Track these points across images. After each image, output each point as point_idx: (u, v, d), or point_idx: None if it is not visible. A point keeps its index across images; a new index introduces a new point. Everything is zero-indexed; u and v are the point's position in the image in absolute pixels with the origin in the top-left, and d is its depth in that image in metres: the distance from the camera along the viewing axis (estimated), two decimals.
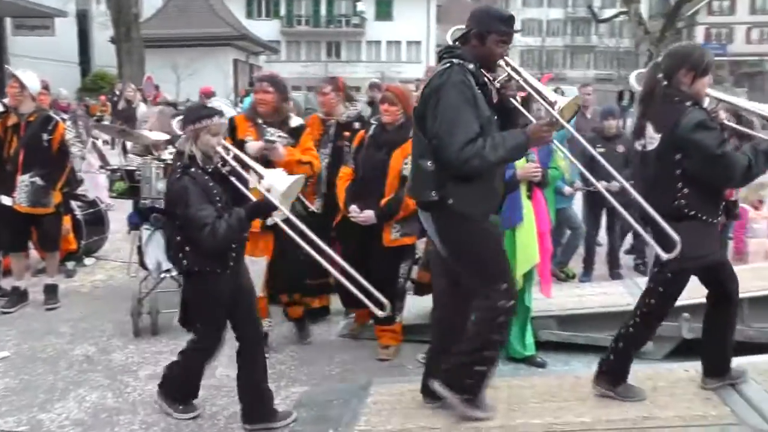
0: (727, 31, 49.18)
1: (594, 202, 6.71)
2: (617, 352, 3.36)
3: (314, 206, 4.76)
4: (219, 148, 3.37)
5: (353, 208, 4.39)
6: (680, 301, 4.54)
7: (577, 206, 6.93)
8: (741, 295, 4.51)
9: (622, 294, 5.08)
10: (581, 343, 4.71)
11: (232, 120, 4.54)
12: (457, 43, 3.15)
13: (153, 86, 15.92)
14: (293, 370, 4.40)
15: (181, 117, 3.85)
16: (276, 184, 3.28)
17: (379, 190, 4.34)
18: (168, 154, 4.96)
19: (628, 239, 7.27)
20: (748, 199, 5.80)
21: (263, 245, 4.33)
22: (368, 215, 4.33)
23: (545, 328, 4.74)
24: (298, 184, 3.44)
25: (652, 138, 3.16)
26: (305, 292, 4.81)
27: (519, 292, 4.37)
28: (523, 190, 4.17)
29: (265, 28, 40.45)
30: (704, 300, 3.41)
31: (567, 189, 6.54)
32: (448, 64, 3.00)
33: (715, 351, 3.41)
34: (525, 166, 4.10)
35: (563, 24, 52.77)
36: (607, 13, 30.73)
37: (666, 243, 2.93)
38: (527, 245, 4.17)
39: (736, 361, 3.58)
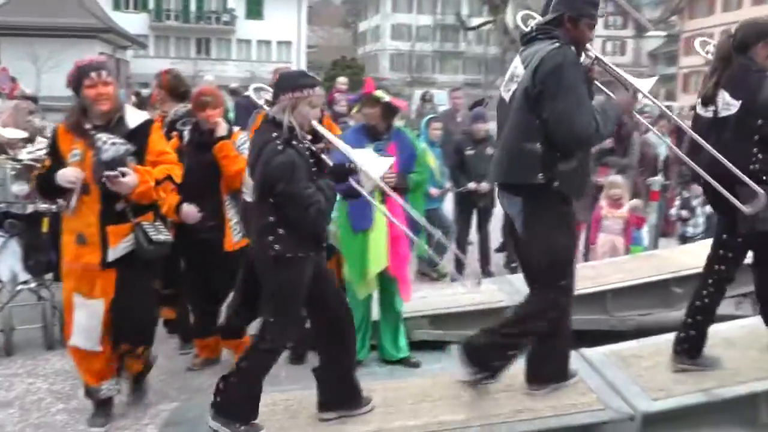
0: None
1: (464, 202, 6.91)
2: (697, 325, 3.48)
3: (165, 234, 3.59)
4: (314, 122, 3.08)
5: (189, 208, 3.99)
6: None
7: (449, 207, 7.12)
8: (604, 288, 4.88)
9: (494, 292, 5.23)
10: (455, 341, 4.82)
11: (55, 132, 3.58)
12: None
13: (8, 78, 14.69)
14: (162, 384, 4.16)
15: (276, 83, 3.22)
16: (370, 170, 3.08)
17: (210, 192, 4.07)
18: (26, 154, 4.54)
19: (498, 237, 7.57)
20: (605, 196, 6.21)
21: (103, 284, 3.43)
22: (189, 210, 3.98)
23: (418, 328, 4.80)
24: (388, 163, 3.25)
25: (728, 104, 3.26)
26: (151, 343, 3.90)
27: (388, 296, 4.46)
28: (376, 194, 3.95)
29: (133, 22, 38.50)
30: None
31: (434, 190, 6.70)
32: (558, 44, 3.00)
33: None
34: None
35: (432, 30, 54.22)
36: (475, 21, 31.94)
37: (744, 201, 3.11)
38: (377, 249, 4.22)
39: (600, 350, 3.80)
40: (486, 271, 6.85)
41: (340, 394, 3.28)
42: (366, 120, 4.38)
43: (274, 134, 2.98)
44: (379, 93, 4.30)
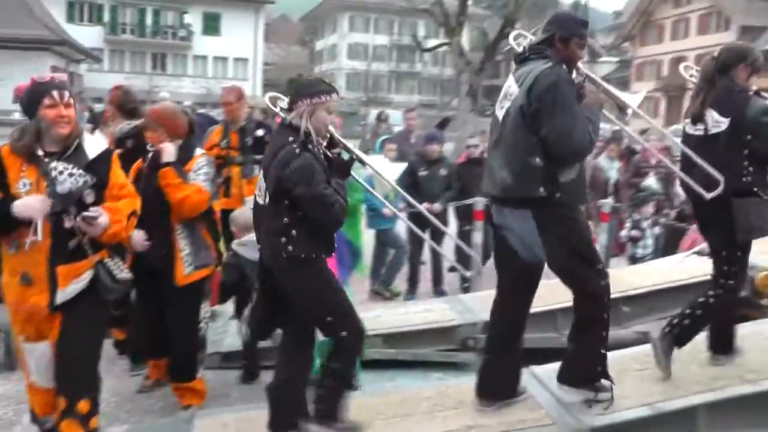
0: None
1: (417, 222, 6.97)
2: (693, 317, 3.69)
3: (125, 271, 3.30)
4: (331, 128, 3.15)
5: (137, 234, 3.79)
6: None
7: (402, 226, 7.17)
8: (554, 306, 4.96)
9: (446, 311, 5.30)
10: (407, 360, 4.85)
11: None
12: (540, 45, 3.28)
13: None
14: (113, 407, 4.06)
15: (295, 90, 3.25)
16: (384, 174, 3.28)
17: (160, 219, 3.85)
18: None
19: (451, 257, 7.64)
20: None
21: (49, 327, 3.08)
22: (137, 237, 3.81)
23: (371, 347, 4.80)
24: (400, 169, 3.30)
25: (718, 122, 3.51)
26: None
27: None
28: None
29: (88, 35, 37.88)
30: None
31: (387, 211, 6.75)
32: (551, 64, 3.15)
33: None
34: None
35: (389, 50, 54.73)
36: (431, 42, 32.35)
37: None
38: None
39: (550, 367, 3.87)
40: (438, 291, 6.92)
41: (293, 413, 3.26)
42: None
43: (291, 138, 3.04)
44: None
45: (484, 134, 8.78)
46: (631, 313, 5.05)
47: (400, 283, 7.07)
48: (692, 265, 5.57)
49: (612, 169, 7.77)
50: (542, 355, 4.18)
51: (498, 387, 3.50)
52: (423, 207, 6.79)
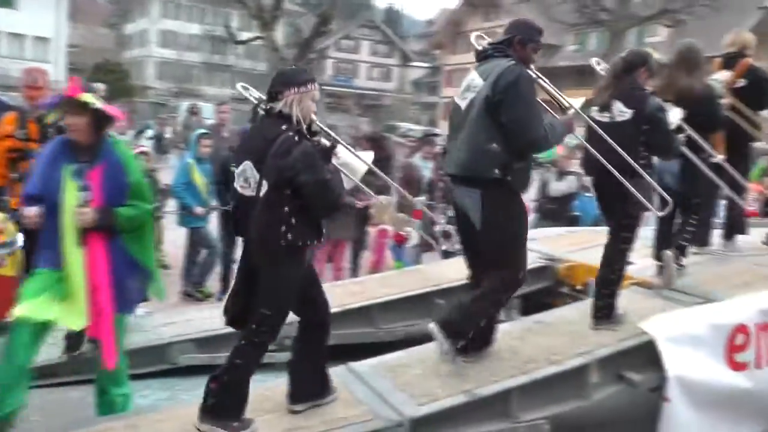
0: (352, 67, 54.89)
1: (229, 220, 6.72)
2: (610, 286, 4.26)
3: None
4: (313, 116, 3.21)
5: None
6: None
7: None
8: (371, 302, 5.01)
9: None
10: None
11: None
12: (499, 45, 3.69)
13: None
14: None
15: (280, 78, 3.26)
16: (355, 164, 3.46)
17: None
18: None
19: None
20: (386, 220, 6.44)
21: None
22: None
23: (184, 353, 4.53)
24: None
25: (623, 111, 4.11)
26: None
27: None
28: (69, 236, 3.35)
29: None
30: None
31: (198, 209, 6.46)
32: (514, 62, 3.55)
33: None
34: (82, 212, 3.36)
35: (201, 40, 52.80)
36: (245, 35, 31.61)
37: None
38: (74, 301, 3.39)
39: (368, 362, 3.90)
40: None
41: (312, 386, 3.43)
42: (69, 132, 3.49)
43: (284, 127, 3.09)
44: (87, 97, 3.40)
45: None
46: (445, 305, 5.21)
47: (213, 283, 6.77)
48: None
49: (426, 169, 8.04)
50: (362, 352, 4.18)
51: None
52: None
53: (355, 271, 7.21)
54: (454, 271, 5.77)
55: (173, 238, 6.64)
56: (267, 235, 3.09)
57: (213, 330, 4.73)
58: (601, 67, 4.54)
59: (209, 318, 5.00)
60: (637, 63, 4.26)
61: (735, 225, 5.63)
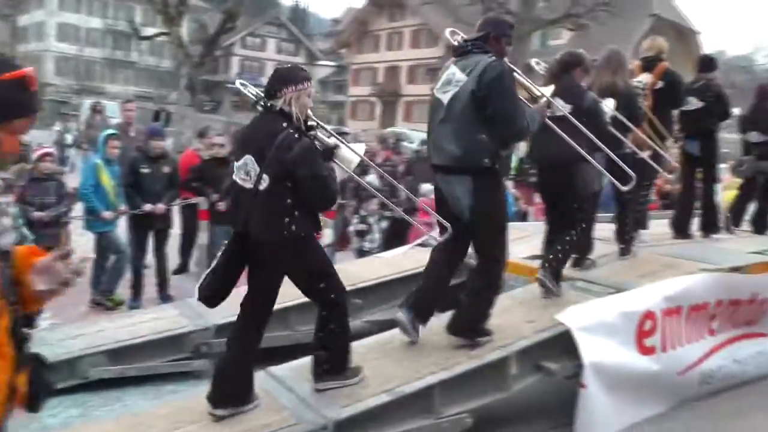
0: (259, 64, 54.03)
1: (139, 224, 6.48)
2: (562, 255, 4.65)
3: None
4: (309, 112, 3.35)
5: None
6: (233, 317, 4.63)
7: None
8: (287, 304, 4.90)
9: (176, 317, 4.95)
10: (135, 375, 4.43)
11: None
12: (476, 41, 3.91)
13: None
14: None
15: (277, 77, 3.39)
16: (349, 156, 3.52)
17: None
18: None
19: (175, 259, 7.25)
20: None
21: None
22: None
23: (95, 365, 4.31)
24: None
25: (563, 107, 4.48)
26: None
27: None
28: None
29: None
30: None
31: (106, 213, 6.20)
32: (494, 57, 3.80)
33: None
34: None
35: (103, 35, 50.58)
36: (149, 31, 30.46)
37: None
38: None
39: (288, 366, 3.85)
40: (164, 296, 6.49)
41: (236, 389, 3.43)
42: None
43: (284, 123, 3.24)
44: None
45: (231, 134, 8.50)
46: (362, 304, 5.20)
47: (124, 290, 6.49)
48: (419, 255, 5.92)
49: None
50: (281, 355, 4.12)
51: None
52: (146, 208, 6.39)
53: None
54: (371, 269, 5.78)
55: (81, 243, 6.32)
56: (269, 226, 3.27)
57: (126, 340, 4.55)
58: (540, 67, 4.84)
59: (121, 327, 4.79)
60: (573, 63, 4.72)
61: (639, 220, 5.92)
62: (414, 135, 20.13)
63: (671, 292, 4.46)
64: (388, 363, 3.88)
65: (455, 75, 3.86)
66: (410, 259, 5.85)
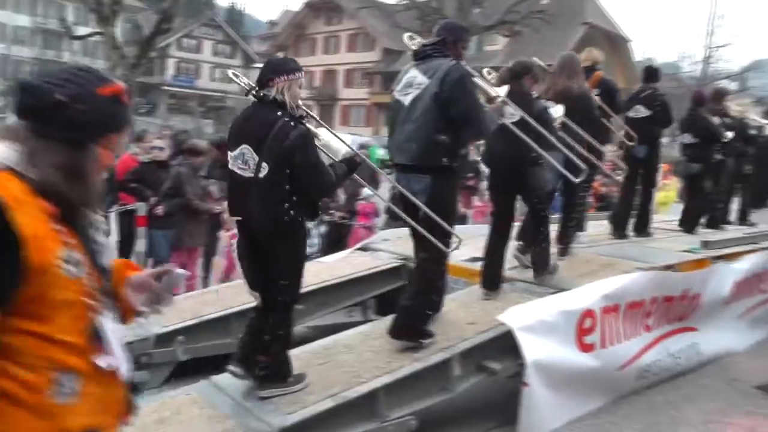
0: (195, 66, 53.06)
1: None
2: (544, 252, 4.95)
3: None
4: (300, 102, 3.42)
5: None
6: (173, 326, 4.54)
7: None
8: (229, 311, 4.80)
9: None
10: None
11: None
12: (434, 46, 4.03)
13: None
14: None
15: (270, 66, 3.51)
16: (336, 145, 3.63)
17: None
18: None
19: None
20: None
21: None
22: None
23: None
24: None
25: (512, 114, 4.54)
26: None
27: None
28: None
29: None
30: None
31: None
32: (455, 61, 3.94)
33: None
34: None
35: (32, 33, 48.71)
36: (82, 30, 29.47)
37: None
38: None
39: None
40: None
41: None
42: None
43: (279, 112, 3.33)
44: None
45: (170, 138, 8.26)
46: (304, 310, 5.13)
47: None
48: (359, 260, 5.90)
49: None
50: (223, 363, 4.01)
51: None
52: None
53: (206, 279, 6.96)
54: (311, 274, 5.69)
55: None
56: (269, 212, 3.35)
57: None
58: (491, 76, 4.94)
59: None
60: (523, 71, 4.83)
61: (577, 222, 6.08)
62: (352, 139, 20.09)
63: (609, 291, 4.58)
64: (331, 368, 3.85)
65: (416, 78, 3.97)
66: (350, 263, 5.82)
